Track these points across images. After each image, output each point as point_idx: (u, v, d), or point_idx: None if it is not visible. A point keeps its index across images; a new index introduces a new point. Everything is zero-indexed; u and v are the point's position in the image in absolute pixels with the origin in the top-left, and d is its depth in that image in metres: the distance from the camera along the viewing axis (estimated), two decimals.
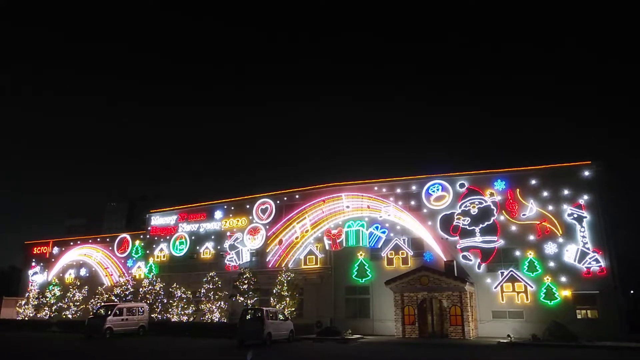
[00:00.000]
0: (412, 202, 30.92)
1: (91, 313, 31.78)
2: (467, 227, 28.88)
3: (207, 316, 31.32)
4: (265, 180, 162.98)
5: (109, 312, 27.16)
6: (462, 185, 29.79)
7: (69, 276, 43.98)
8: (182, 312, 32.38)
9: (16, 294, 46.88)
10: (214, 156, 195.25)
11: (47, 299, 39.43)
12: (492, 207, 28.62)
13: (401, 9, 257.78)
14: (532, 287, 26.50)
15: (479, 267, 28.02)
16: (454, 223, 29.29)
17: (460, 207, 29.39)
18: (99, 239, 45.62)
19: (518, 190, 28.41)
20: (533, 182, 28.20)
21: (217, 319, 31.04)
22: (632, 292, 40.87)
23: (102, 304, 33.15)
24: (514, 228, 27.90)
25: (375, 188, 32.20)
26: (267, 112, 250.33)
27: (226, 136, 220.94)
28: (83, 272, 43.89)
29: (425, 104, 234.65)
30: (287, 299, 29.44)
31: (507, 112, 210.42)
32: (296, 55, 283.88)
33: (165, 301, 33.71)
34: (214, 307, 31.43)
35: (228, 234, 36.79)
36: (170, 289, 33.65)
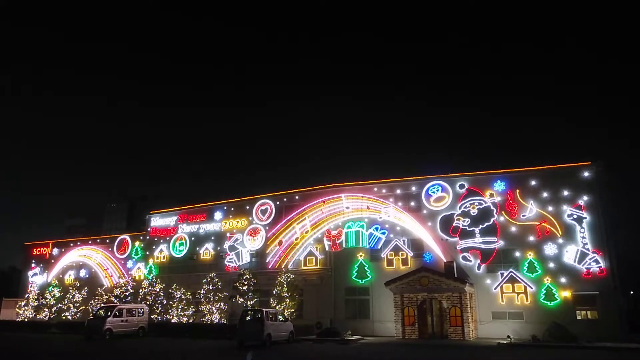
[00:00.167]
0: (412, 203, 30.92)
1: (91, 314, 31.77)
2: (466, 228, 28.87)
3: (206, 317, 31.32)
4: (265, 180, 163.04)
5: (109, 313, 27.14)
6: (461, 186, 29.78)
7: (69, 277, 43.97)
8: (182, 313, 32.37)
9: (16, 295, 46.86)
10: (214, 156, 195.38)
11: (47, 300, 39.41)
12: (492, 208, 28.61)
13: (401, 9, 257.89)
14: (532, 288, 26.49)
15: (478, 268, 28.01)
16: (454, 224, 29.28)
17: (460, 208, 29.39)
18: (98, 240, 45.60)
19: (518, 191, 28.40)
20: (533, 182, 28.20)
21: (217, 320, 31.03)
22: (632, 292, 40.88)
23: (102, 305, 33.10)
24: (513, 229, 27.90)
25: (375, 189, 32.20)
26: (267, 112, 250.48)
27: (226, 136, 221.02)
28: (83, 273, 43.86)
29: (425, 104, 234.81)
30: (287, 300, 29.42)
31: (507, 112, 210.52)
32: (296, 55, 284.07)
33: (165, 302, 33.70)
34: (213, 308, 31.42)
35: (228, 235, 36.78)
36: (170, 290, 33.65)
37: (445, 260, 28.21)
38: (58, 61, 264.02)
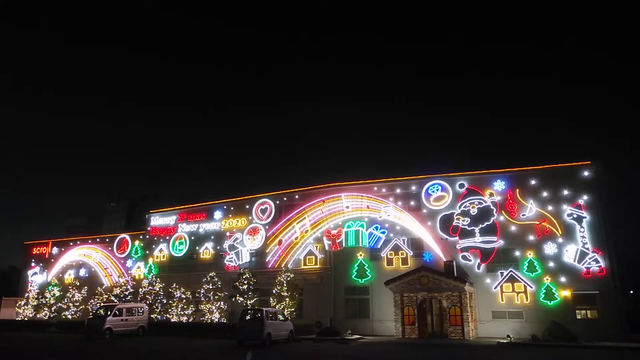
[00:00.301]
0: (412, 203, 30.91)
1: (91, 313, 31.74)
2: (466, 227, 28.87)
3: (206, 316, 31.31)
4: (265, 180, 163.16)
5: (109, 313, 27.13)
6: (461, 186, 29.78)
7: (69, 276, 43.96)
8: (182, 313, 32.36)
9: (16, 294, 46.85)
10: (214, 156, 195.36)
11: (47, 300, 39.41)
12: (492, 207, 28.61)
13: (401, 9, 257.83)
14: (531, 288, 26.49)
15: (478, 268, 28.01)
16: (454, 223, 29.28)
17: (459, 207, 29.39)
18: (98, 240, 45.59)
19: (518, 190, 28.40)
20: (533, 182, 28.20)
21: (216, 320, 31.03)
22: (631, 292, 40.88)
23: (102, 304, 33.13)
24: (513, 228, 27.90)
25: (375, 188, 32.19)
26: (267, 112, 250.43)
27: (226, 136, 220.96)
28: (82, 272, 43.86)
29: (425, 104, 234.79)
30: (287, 299, 29.42)
31: (507, 112, 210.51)
32: (296, 55, 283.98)
33: (165, 301, 33.69)
34: (213, 307, 31.41)
35: (228, 234, 36.77)
36: (170, 290, 33.64)
37: (445, 260, 28.21)
38: (58, 61, 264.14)
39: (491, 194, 28.89)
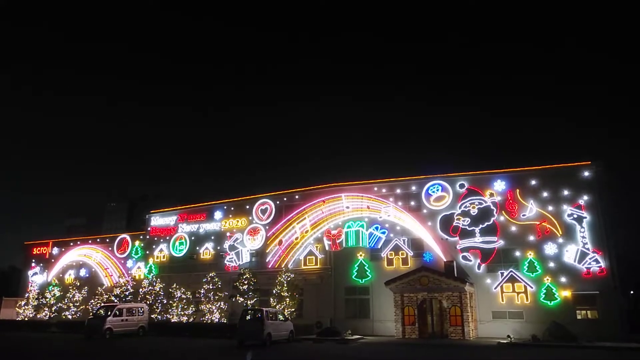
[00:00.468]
0: (412, 203, 30.91)
1: (91, 313, 31.75)
2: (467, 227, 28.87)
3: (207, 317, 31.31)
4: (265, 180, 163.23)
5: (109, 313, 27.13)
6: (462, 186, 29.78)
7: (69, 277, 43.96)
8: (182, 313, 32.37)
9: (16, 295, 46.83)
10: (214, 156, 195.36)
11: (47, 300, 39.39)
12: (492, 207, 28.61)
13: (401, 9, 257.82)
14: (532, 288, 26.49)
15: (478, 268, 28.01)
16: (454, 223, 29.28)
17: (460, 207, 29.38)
18: (98, 240, 45.59)
19: (518, 190, 28.40)
20: (533, 182, 28.19)
21: (217, 320, 31.03)
22: (632, 292, 40.87)
23: (102, 304, 33.12)
24: (513, 228, 27.89)
25: (375, 188, 32.19)
26: (267, 112, 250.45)
27: (226, 136, 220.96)
28: (83, 272, 43.85)
29: (425, 104, 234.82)
30: (287, 299, 29.41)
31: (507, 112, 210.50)
32: (296, 55, 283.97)
33: (165, 302, 33.70)
34: (213, 307, 31.41)
35: (228, 234, 36.77)
36: (170, 290, 33.64)
37: (445, 260, 28.20)
38: (58, 61, 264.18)
39: (491, 194, 28.89)
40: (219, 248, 36.95)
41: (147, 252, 40.72)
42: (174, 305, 32.75)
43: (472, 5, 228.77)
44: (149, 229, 41.46)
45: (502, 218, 28.26)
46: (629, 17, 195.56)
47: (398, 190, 31.54)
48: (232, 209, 37.55)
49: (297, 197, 35.06)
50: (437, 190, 30.34)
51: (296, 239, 33.82)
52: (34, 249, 48.10)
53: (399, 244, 30.18)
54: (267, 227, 35.28)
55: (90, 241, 45.67)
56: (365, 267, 30.66)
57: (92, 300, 37.39)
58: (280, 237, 34.48)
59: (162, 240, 40.23)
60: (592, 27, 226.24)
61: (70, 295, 39.13)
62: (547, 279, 26.31)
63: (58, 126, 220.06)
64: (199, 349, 21.05)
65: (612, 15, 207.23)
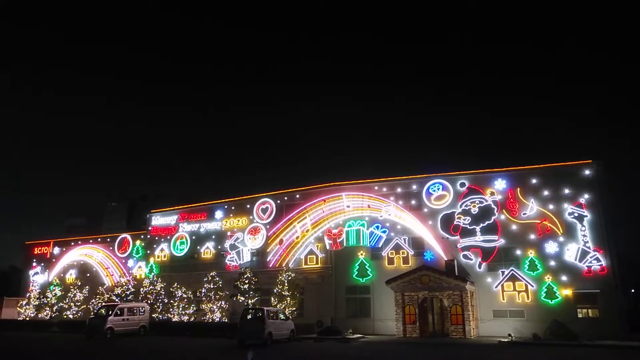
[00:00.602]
0: (413, 202, 30.91)
1: (92, 313, 31.79)
2: (467, 226, 28.87)
3: (207, 316, 31.33)
4: (265, 180, 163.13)
5: (110, 312, 27.14)
6: (462, 185, 29.78)
7: (70, 276, 44.01)
8: (183, 312, 32.40)
9: (17, 294, 46.88)
10: (214, 156, 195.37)
11: (48, 299, 39.41)
12: (493, 206, 28.61)
13: (401, 9, 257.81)
14: (532, 286, 26.50)
15: (479, 267, 28.02)
16: (455, 222, 29.28)
17: (460, 206, 29.39)
18: (99, 239, 45.64)
19: (519, 189, 28.40)
20: (534, 181, 28.19)
21: (217, 319, 31.05)
22: (632, 291, 40.90)
23: (103, 304, 33.14)
24: (514, 227, 27.90)
25: (376, 188, 32.20)
26: (267, 112, 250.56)
27: (226, 136, 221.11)
28: (84, 272, 43.89)
29: (425, 104, 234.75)
30: (288, 298, 29.43)
31: (507, 112, 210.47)
32: (296, 55, 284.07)
33: (166, 301, 33.71)
34: (214, 306, 31.43)
35: (229, 233, 36.79)
36: (171, 289, 33.66)
37: (446, 259, 28.22)
38: (58, 61, 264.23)
39: (492, 193, 28.89)
40: (219, 247, 36.97)
41: (148, 251, 40.75)
42: (175, 304, 32.77)
43: (472, 5, 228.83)
44: (149, 228, 41.48)
45: (502, 217, 28.26)
46: (629, 17, 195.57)
47: (399, 189, 31.54)
48: (233, 208, 37.57)
49: (297, 196, 35.07)
50: (438, 189, 30.35)
51: (297, 238, 33.84)
52: (35, 249, 48.15)
53: (399, 243, 30.19)
54: (267, 227, 35.29)
55: (91, 241, 45.72)
56: (366, 266, 30.67)
57: (93, 300, 37.45)
58: (281, 236, 34.49)
59: (162, 240, 40.25)
60: (592, 27, 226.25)
61: (71, 295, 39.16)
62: (548, 278, 26.31)
63: (58, 126, 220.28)
64: (199, 349, 21.06)
65: (612, 15, 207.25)
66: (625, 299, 30.13)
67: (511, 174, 29.03)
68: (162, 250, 40.01)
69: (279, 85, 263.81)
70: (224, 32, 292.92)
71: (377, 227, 31.17)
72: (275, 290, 30.05)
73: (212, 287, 31.95)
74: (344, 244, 31.52)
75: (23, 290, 45.78)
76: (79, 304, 38.95)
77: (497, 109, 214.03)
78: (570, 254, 26.32)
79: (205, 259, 37.27)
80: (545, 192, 27.70)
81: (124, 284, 36.32)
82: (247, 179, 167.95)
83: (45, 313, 39.04)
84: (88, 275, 43.45)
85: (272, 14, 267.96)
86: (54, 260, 46.36)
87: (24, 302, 41.31)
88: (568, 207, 27.06)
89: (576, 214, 26.78)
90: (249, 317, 23.33)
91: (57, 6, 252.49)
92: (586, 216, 26.56)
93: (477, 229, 28.56)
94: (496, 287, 27.23)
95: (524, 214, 27.85)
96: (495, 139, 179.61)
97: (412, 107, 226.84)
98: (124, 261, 42.12)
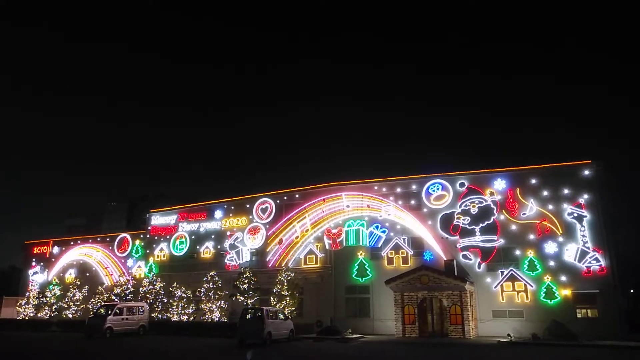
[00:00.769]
0: (412, 202, 30.92)
1: (91, 313, 31.74)
2: (467, 226, 28.88)
3: (207, 315, 31.32)
4: (265, 180, 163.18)
5: (109, 312, 27.12)
6: (462, 185, 29.79)
7: (69, 276, 43.99)
8: (183, 312, 32.39)
9: (16, 294, 46.87)
10: (214, 156, 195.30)
11: (48, 299, 39.40)
12: (492, 206, 28.62)
13: (401, 9, 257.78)
14: (532, 287, 26.51)
15: (479, 267, 28.03)
16: (454, 222, 29.30)
17: (460, 206, 29.40)
18: (99, 239, 45.63)
19: (518, 189, 28.41)
20: (533, 181, 28.20)
21: (217, 319, 31.04)
22: (632, 291, 40.91)
23: (103, 303, 33.13)
24: (514, 227, 27.91)
25: (375, 187, 32.21)
26: (267, 112, 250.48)
27: (226, 136, 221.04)
28: (83, 271, 43.88)
29: (425, 104, 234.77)
30: (287, 298, 29.42)
31: (507, 112, 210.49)
32: (296, 55, 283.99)
33: (166, 301, 33.72)
34: (214, 306, 31.42)
35: (228, 233, 36.79)
36: (171, 289, 33.66)
37: (445, 259, 28.22)
38: (58, 61, 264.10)
39: (492, 193, 28.90)
40: (219, 247, 36.97)
41: (148, 251, 40.75)
42: (175, 304, 32.77)
43: (472, 5, 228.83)
44: (149, 228, 41.48)
45: (502, 217, 28.27)
46: (629, 17, 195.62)
47: (398, 189, 31.55)
48: (233, 208, 37.57)
49: (297, 196, 35.08)
50: (438, 189, 30.36)
51: (296, 237, 33.84)
52: (35, 248, 48.13)
53: (399, 242, 30.19)
54: (267, 226, 35.29)
55: (90, 240, 45.71)
56: (366, 266, 30.68)
57: (93, 299, 37.43)
58: (280, 236, 34.50)
59: (162, 240, 40.25)
60: (592, 27, 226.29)
61: (71, 294, 39.15)
62: (548, 278, 26.32)
63: (58, 126, 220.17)
64: (199, 348, 21.05)
65: (612, 15, 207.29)
66: (625, 299, 30.11)
67: (511, 174, 29.04)
68: (161, 249, 40.00)
69: (279, 85, 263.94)
70: (224, 32, 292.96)
71: (377, 227, 31.18)
72: (274, 290, 30.05)
73: (211, 286, 31.94)
74: (344, 244, 31.52)
75: (22, 290, 45.77)
76: (78, 303, 38.93)
77: (497, 109, 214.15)
78: (570, 254, 26.33)
79: (205, 259, 37.26)
80: (545, 192, 27.71)
81: (123, 283, 36.31)
82: (247, 179, 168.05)
83: (44, 312, 39.03)
84: (87, 274, 43.46)
85: (272, 14, 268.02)
86: (53, 259, 46.35)
87: (24, 302, 41.29)
88: (567, 207, 27.07)
89: (575, 214, 26.79)
90: (249, 316, 23.33)
91: (57, 6, 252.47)
92: (585, 216, 26.57)
93: (477, 229, 28.57)
94: (495, 287, 27.24)
95: (523, 214, 27.86)
96: (495, 139, 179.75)
97: (412, 107, 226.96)
98: (123, 261, 42.12)
